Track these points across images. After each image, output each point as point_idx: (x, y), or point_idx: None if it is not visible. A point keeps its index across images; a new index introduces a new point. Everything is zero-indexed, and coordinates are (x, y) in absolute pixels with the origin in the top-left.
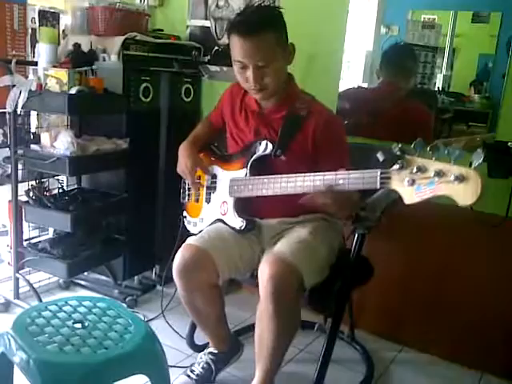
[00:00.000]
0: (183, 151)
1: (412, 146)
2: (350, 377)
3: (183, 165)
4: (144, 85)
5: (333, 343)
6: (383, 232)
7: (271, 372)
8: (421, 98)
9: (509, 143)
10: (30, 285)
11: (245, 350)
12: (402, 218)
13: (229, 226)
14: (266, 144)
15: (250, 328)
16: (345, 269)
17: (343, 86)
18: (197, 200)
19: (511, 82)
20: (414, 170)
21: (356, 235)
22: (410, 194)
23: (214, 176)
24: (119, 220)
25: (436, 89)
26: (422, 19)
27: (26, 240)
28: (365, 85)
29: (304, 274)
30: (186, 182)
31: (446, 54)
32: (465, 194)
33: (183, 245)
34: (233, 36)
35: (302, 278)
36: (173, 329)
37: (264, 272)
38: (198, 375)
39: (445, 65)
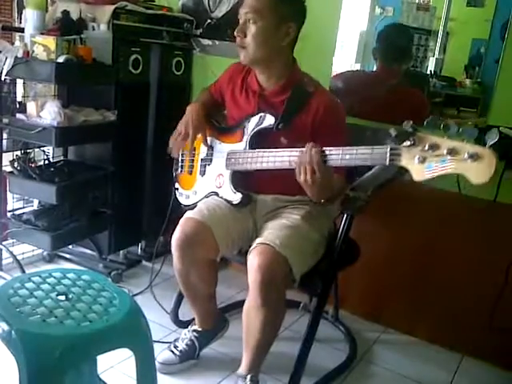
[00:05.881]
0: (194, 109)
1: (424, 123)
2: (333, 356)
3: (189, 119)
4: (134, 56)
5: (317, 323)
6: (369, 214)
7: (258, 361)
8: (412, 80)
9: (500, 128)
10: (14, 256)
11: (230, 327)
12: (388, 201)
13: (224, 199)
14: (269, 117)
15: (237, 305)
16: (332, 250)
17: (336, 66)
18: (190, 172)
19: (505, 67)
20: (426, 147)
21: (345, 216)
22: (420, 171)
23: (211, 148)
24: (106, 193)
25: (428, 72)
26: (417, 1)
27: (9, 211)
28: (357, 65)
29: (293, 264)
30: (180, 153)
31: (439, 38)
32: (479, 172)
33: (183, 218)
34: None
35: (290, 269)
36: (158, 303)
37: (253, 262)
38: (181, 351)
39: (438, 48)
